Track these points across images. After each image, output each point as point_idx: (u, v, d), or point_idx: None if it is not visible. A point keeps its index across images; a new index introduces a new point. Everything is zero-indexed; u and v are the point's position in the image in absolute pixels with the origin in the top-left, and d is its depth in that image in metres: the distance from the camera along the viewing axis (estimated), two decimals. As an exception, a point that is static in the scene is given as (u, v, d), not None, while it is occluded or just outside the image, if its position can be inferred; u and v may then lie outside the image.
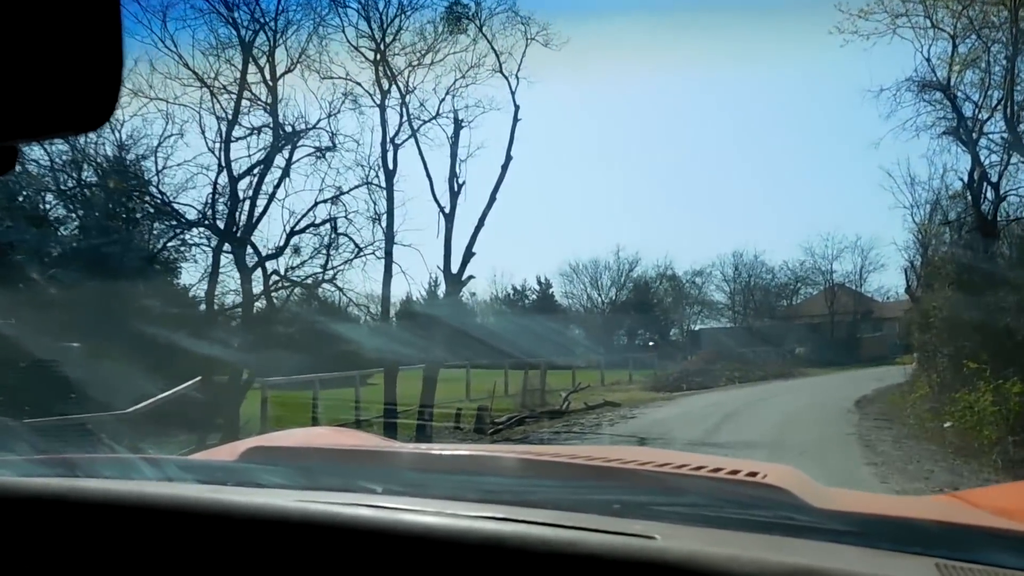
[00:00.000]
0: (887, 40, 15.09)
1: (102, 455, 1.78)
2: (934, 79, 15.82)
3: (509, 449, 1.98)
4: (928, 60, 15.66)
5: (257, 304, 16.22)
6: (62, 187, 15.93)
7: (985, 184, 15.96)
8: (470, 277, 17.54)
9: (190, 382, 11.42)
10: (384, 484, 1.28)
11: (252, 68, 15.20)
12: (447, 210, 16.57)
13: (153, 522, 1.18)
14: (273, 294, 16.48)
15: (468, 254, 16.75)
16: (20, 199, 15.65)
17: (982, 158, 15.84)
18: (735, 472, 1.36)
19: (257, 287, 15.87)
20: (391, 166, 16.37)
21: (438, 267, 17.03)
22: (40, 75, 0.72)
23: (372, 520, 1.07)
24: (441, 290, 18.66)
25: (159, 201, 16.18)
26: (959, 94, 15.84)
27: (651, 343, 37.08)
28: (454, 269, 16.79)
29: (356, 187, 16.43)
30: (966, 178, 16.52)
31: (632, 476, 1.38)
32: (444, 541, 1.02)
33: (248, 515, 1.13)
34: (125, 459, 1.61)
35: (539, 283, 40.72)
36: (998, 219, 16.02)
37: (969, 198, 16.58)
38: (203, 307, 16.03)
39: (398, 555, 1.04)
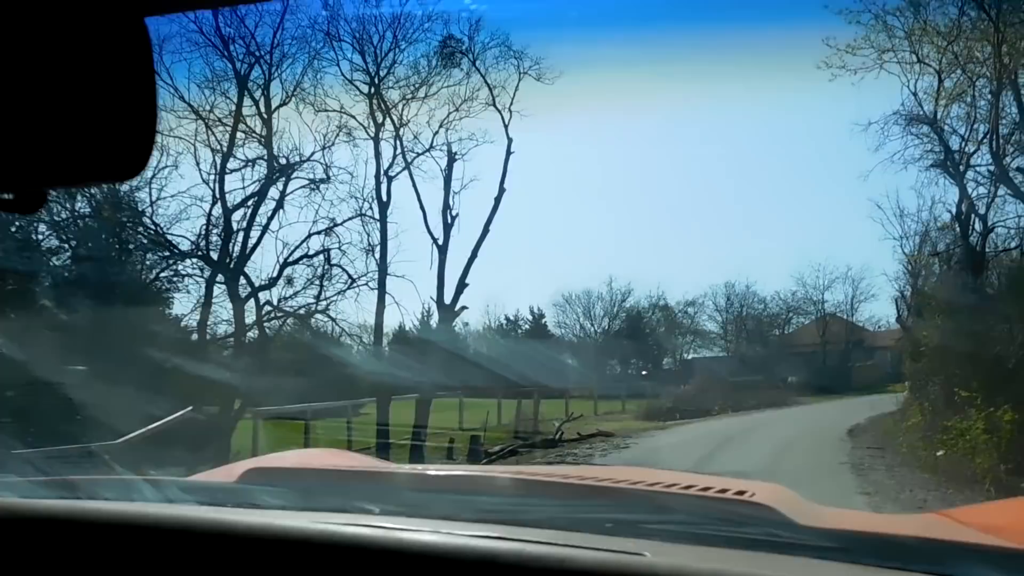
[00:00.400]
0: (874, 75, 15.32)
1: (103, 477, 1.79)
2: (921, 113, 16.07)
3: (503, 469, 2.01)
4: (915, 94, 15.91)
5: (250, 334, 16.21)
6: (55, 217, 15.95)
7: (973, 216, 16.15)
8: (463, 308, 17.62)
9: (179, 413, 11.33)
10: (381, 504, 1.30)
11: (247, 101, 15.37)
12: (440, 242, 16.70)
13: (155, 543, 1.19)
14: (266, 324, 16.47)
15: (461, 285, 16.83)
16: (12, 229, 15.65)
17: (970, 190, 16.04)
18: (724, 491, 1.38)
19: (250, 318, 15.87)
20: (385, 198, 16.51)
21: (431, 298, 17.10)
22: (74, 125, 0.75)
23: (371, 539, 1.09)
24: (434, 320, 18.68)
25: (152, 232, 16.21)
26: (946, 127, 16.08)
27: (644, 372, 37.02)
28: (447, 300, 16.85)
29: (350, 219, 16.53)
30: (954, 210, 16.71)
31: (623, 495, 1.40)
32: (441, 559, 1.04)
33: (249, 535, 1.15)
34: (126, 481, 1.62)
35: (532, 313, 40.69)
36: (986, 250, 16.18)
37: (958, 230, 16.74)
38: (195, 337, 15.99)
39: (397, 573, 1.06)
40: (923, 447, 12.21)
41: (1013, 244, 16.62)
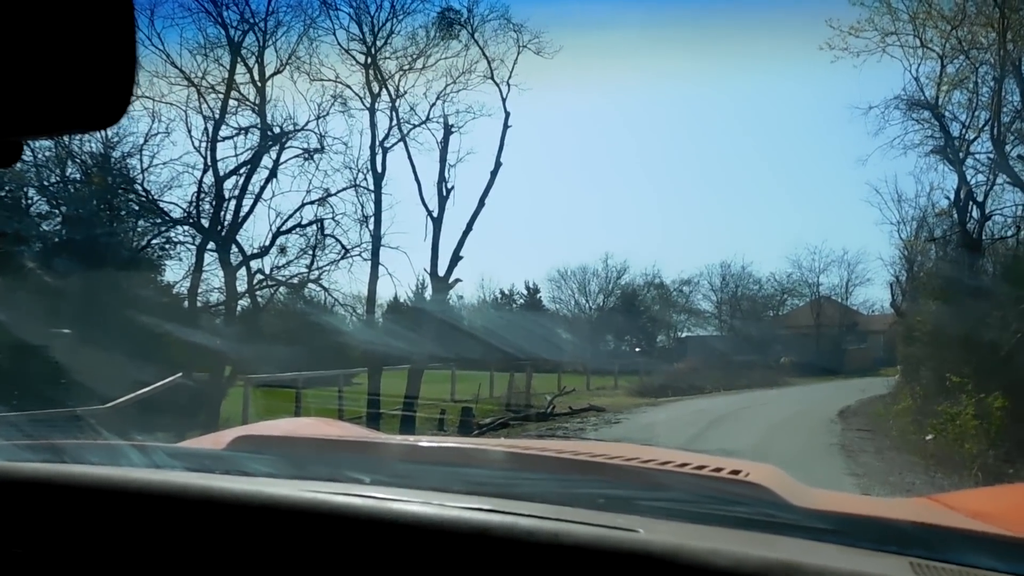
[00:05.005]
0: (876, 58, 15.23)
1: (89, 441, 1.76)
2: (922, 98, 15.98)
3: (496, 442, 2.00)
4: (917, 79, 15.83)
5: (241, 302, 16.17)
6: (45, 183, 15.80)
7: (971, 203, 16.12)
8: (456, 280, 17.56)
9: (169, 379, 11.29)
10: (372, 474, 1.30)
11: (240, 68, 15.16)
12: (435, 214, 16.59)
13: (141, 509, 1.18)
14: (258, 293, 16.41)
15: (455, 257, 16.76)
16: (3, 193, 15.49)
17: (968, 177, 16.01)
18: (718, 470, 1.38)
19: (242, 286, 15.81)
20: (380, 169, 16.38)
21: (425, 269, 17.04)
22: (50, 71, 0.71)
23: (360, 508, 1.08)
24: (427, 292, 18.64)
25: (144, 199, 16.07)
26: (947, 114, 16.02)
27: (638, 349, 37.15)
28: (441, 272, 16.78)
29: (344, 189, 16.43)
30: (952, 197, 16.71)
31: (617, 471, 1.39)
32: (431, 530, 1.03)
33: (237, 502, 1.13)
34: (113, 445, 1.59)
35: (527, 288, 40.77)
36: (983, 238, 16.16)
37: (955, 216, 16.73)
38: (186, 304, 15.92)
39: (386, 544, 1.05)
40: (913, 431, 12.28)
41: (1010, 232, 16.62)
